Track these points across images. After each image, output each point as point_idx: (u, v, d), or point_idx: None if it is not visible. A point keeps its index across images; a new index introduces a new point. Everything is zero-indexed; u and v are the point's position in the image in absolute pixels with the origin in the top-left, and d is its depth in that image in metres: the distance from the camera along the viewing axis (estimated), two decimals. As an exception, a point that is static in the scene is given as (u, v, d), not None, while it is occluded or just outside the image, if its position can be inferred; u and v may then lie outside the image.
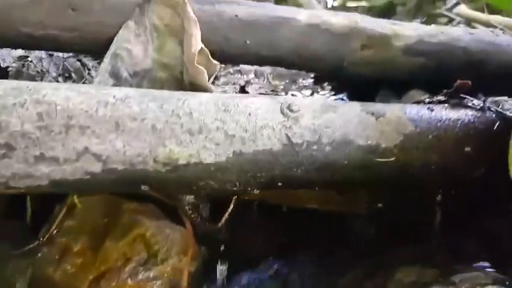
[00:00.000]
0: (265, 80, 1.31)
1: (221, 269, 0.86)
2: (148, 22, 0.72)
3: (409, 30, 0.89)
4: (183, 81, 0.74)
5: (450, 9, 2.00)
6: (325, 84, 1.20)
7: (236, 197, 0.72)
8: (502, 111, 0.75)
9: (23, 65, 0.95)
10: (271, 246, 0.95)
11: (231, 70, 1.33)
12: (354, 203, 0.93)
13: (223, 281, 0.86)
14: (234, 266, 0.87)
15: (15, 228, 0.89)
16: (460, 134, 0.71)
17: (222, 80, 1.30)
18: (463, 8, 1.54)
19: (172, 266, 0.83)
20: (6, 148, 0.55)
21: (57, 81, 0.97)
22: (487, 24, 1.26)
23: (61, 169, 0.56)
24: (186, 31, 0.69)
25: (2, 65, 0.94)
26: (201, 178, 0.61)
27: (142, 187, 0.60)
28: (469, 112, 0.75)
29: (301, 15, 0.82)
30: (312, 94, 1.13)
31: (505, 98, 0.81)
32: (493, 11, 1.42)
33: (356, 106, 0.70)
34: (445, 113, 0.73)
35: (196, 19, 0.70)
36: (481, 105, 0.77)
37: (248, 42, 0.80)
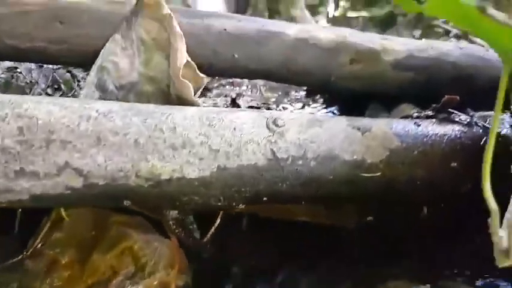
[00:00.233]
0: (258, 92, 1.31)
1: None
2: (135, 36, 0.72)
3: (398, 45, 0.90)
4: (170, 95, 0.74)
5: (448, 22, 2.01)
6: (317, 97, 1.20)
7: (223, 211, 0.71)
8: (489, 126, 0.75)
9: (12, 76, 0.95)
10: (262, 259, 0.95)
11: (224, 82, 1.33)
12: (344, 217, 0.92)
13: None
14: (225, 279, 0.87)
15: (4, 240, 0.88)
16: (447, 149, 0.71)
17: (215, 91, 1.30)
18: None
19: (160, 280, 0.82)
20: (-13, 162, 0.54)
21: (46, 92, 0.96)
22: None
23: (41, 184, 0.55)
24: (172, 45, 0.69)
25: (-10, 76, 0.94)
26: (184, 193, 0.61)
27: (125, 202, 0.60)
28: (456, 127, 0.74)
29: (290, 30, 0.83)
30: (303, 107, 1.13)
31: (492, 112, 0.81)
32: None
33: (342, 121, 0.70)
34: (431, 128, 0.73)
35: (181, 33, 0.70)
36: (468, 120, 0.77)
37: (236, 56, 0.80)
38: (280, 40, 0.82)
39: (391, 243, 0.87)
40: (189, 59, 0.72)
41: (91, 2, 0.76)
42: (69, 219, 0.86)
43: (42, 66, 0.99)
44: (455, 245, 0.78)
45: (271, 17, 1.56)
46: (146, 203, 0.61)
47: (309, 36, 0.83)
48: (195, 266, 0.85)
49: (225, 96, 1.21)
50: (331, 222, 0.92)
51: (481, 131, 0.75)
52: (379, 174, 0.68)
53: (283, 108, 1.07)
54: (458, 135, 0.73)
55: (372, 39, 0.87)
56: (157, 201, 0.61)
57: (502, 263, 0.36)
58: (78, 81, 1.02)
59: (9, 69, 0.95)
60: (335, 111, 1.09)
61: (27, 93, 0.96)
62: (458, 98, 0.83)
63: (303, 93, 1.25)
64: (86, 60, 0.77)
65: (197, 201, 0.62)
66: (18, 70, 0.96)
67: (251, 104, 1.10)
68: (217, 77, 1.19)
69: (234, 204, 0.65)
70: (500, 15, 0.33)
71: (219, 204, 0.63)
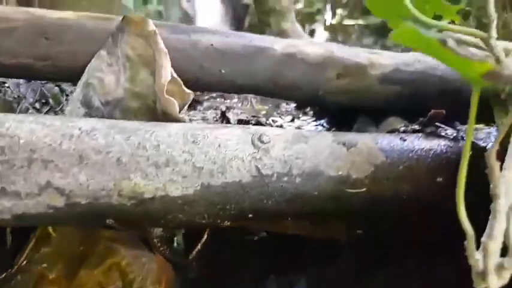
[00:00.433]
0: (249, 105, 1.31)
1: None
2: (121, 52, 0.72)
3: (385, 59, 0.90)
4: (156, 110, 0.74)
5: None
6: (308, 109, 1.21)
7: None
8: (474, 140, 0.75)
9: (0, 91, 0.95)
10: (254, 271, 0.94)
11: (214, 94, 1.33)
12: (334, 229, 0.92)
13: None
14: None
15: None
16: (432, 164, 0.71)
17: (205, 104, 1.30)
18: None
19: (148, 296, 0.82)
20: (-32, 182, 0.54)
21: (34, 107, 0.96)
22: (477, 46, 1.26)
23: (23, 203, 0.55)
24: (157, 62, 0.69)
25: (-22, 91, 0.94)
26: (168, 211, 0.60)
27: (107, 221, 0.59)
28: (442, 142, 0.75)
29: (277, 45, 0.83)
30: (292, 120, 1.13)
31: (481, 125, 0.81)
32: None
33: (328, 136, 0.70)
34: (417, 143, 0.73)
35: (166, 51, 0.70)
36: (454, 134, 0.77)
37: (223, 71, 0.80)
38: (268, 55, 0.82)
39: (381, 254, 0.87)
40: (175, 75, 0.72)
41: (77, 18, 0.76)
42: (57, 234, 0.86)
43: (31, 80, 0.99)
44: (441, 260, 0.78)
45: (262, 29, 1.57)
46: (129, 222, 0.61)
47: (297, 51, 0.83)
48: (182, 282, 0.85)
49: (215, 109, 1.21)
50: (321, 235, 0.93)
51: (467, 145, 0.75)
52: (364, 189, 0.67)
53: (273, 121, 1.07)
54: (444, 150, 0.73)
55: (358, 54, 0.87)
56: (140, 219, 0.61)
57: (479, 285, 0.36)
58: (67, 95, 1.02)
59: (-4, 83, 0.95)
60: (324, 124, 1.09)
61: (14, 108, 0.96)
62: (444, 112, 0.83)
63: (293, 105, 1.25)
64: (72, 76, 0.77)
65: (181, 219, 0.62)
66: (6, 85, 0.96)
67: (241, 117, 1.10)
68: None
69: (218, 221, 0.64)
70: (459, 48, 0.33)
71: (204, 221, 0.63)
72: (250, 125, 0.71)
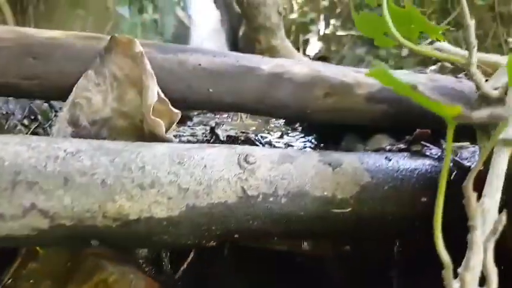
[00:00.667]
0: (239, 120, 1.32)
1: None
2: (108, 72, 0.72)
3: (372, 78, 0.91)
4: (143, 129, 0.74)
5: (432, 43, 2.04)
6: (297, 125, 1.21)
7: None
8: (459, 160, 0.76)
9: (-12, 108, 0.95)
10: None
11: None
12: (322, 246, 0.92)
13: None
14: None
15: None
16: (417, 185, 0.72)
17: (195, 120, 1.31)
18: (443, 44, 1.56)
19: (135, 313, 0.81)
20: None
21: (22, 123, 0.96)
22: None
23: (7, 225, 0.55)
24: (144, 83, 0.69)
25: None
26: (152, 233, 0.61)
27: (92, 242, 0.59)
28: (427, 161, 0.75)
29: (265, 65, 0.84)
30: (281, 136, 1.14)
31: (467, 143, 0.82)
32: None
33: (314, 156, 0.71)
34: (402, 163, 0.74)
35: (152, 72, 0.71)
36: (439, 154, 0.78)
37: (211, 90, 0.80)
38: (255, 75, 0.82)
39: (368, 270, 0.87)
40: (162, 95, 0.73)
41: (66, 37, 0.77)
42: (44, 250, 0.86)
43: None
44: (425, 279, 0.78)
45: (251, 45, 1.58)
46: (114, 243, 0.61)
47: (284, 71, 0.84)
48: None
49: (205, 124, 1.21)
50: (308, 251, 0.93)
51: (451, 164, 0.75)
52: (349, 210, 0.68)
53: (262, 137, 1.07)
54: (429, 170, 0.74)
55: (345, 73, 0.88)
56: (125, 241, 0.61)
57: (457, 314, 0.36)
58: (56, 111, 1.02)
59: (-16, 100, 0.95)
60: (313, 140, 1.09)
61: (3, 124, 0.96)
62: (429, 131, 0.84)
63: (282, 121, 1.26)
64: (60, 94, 0.77)
65: (166, 240, 0.62)
66: (-6, 101, 0.96)
67: (230, 133, 1.11)
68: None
69: (204, 242, 0.65)
70: (427, 92, 0.34)
71: (189, 242, 0.63)
72: (237, 145, 0.71)
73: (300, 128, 1.20)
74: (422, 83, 0.94)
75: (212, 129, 1.11)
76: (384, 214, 0.70)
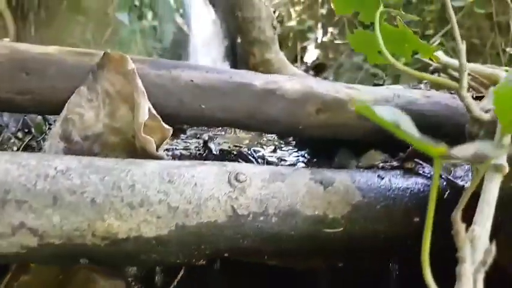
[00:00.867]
0: (233, 133, 1.31)
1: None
2: (101, 88, 0.73)
3: (364, 94, 0.91)
4: (135, 145, 0.74)
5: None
6: (290, 139, 1.21)
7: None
8: (452, 179, 0.76)
9: (-19, 121, 0.94)
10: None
11: (198, 122, 1.33)
12: (310, 262, 0.92)
13: None
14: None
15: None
16: (409, 204, 0.71)
17: (189, 133, 1.30)
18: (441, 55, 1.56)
19: (126, 327, 0.81)
20: None
21: (16, 136, 0.96)
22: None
23: (-4, 244, 0.55)
24: (135, 100, 0.69)
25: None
26: (141, 252, 0.60)
27: (81, 261, 0.59)
28: (420, 180, 0.75)
29: (257, 81, 0.84)
30: (274, 150, 1.14)
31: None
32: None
33: (305, 174, 0.71)
34: (394, 182, 0.74)
35: (144, 90, 0.71)
36: (432, 173, 0.77)
37: (204, 106, 0.81)
38: (248, 91, 0.83)
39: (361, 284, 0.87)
40: (154, 112, 0.73)
41: (59, 53, 0.77)
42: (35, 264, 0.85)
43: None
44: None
45: (246, 59, 1.58)
46: (103, 261, 0.61)
47: (276, 87, 0.84)
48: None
49: (198, 137, 1.21)
50: (300, 265, 0.92)
51: (444, 183, 0.75)
52: (341, 229, 0.68)
53: (255, 151, 1.07)
54: (422, 189, 0.74)
55: (337, 89, 0.88)
56: (114, 259, 0.61)
57: None
58: (50, 124, 1.02)
59: (-22, 113, 0.95)
60: (305, 155, 1.09)
61: (-4, 137, 0.95)
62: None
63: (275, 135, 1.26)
64: (53, 109, 0.77)
65: (155, 258, 0.62)
66: (-12, 114, 0.96)
67: (223, 146, 1.11)
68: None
69: (193, 260, 0.64)
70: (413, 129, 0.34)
71: (178, 261, 0.63)
72: (228, 162, 0.71)
73: (293, 142, 1.20)
74: (417, 98, 0.95)
75: (205, 143, 1.11)
76: (376, 233, 0.70)
